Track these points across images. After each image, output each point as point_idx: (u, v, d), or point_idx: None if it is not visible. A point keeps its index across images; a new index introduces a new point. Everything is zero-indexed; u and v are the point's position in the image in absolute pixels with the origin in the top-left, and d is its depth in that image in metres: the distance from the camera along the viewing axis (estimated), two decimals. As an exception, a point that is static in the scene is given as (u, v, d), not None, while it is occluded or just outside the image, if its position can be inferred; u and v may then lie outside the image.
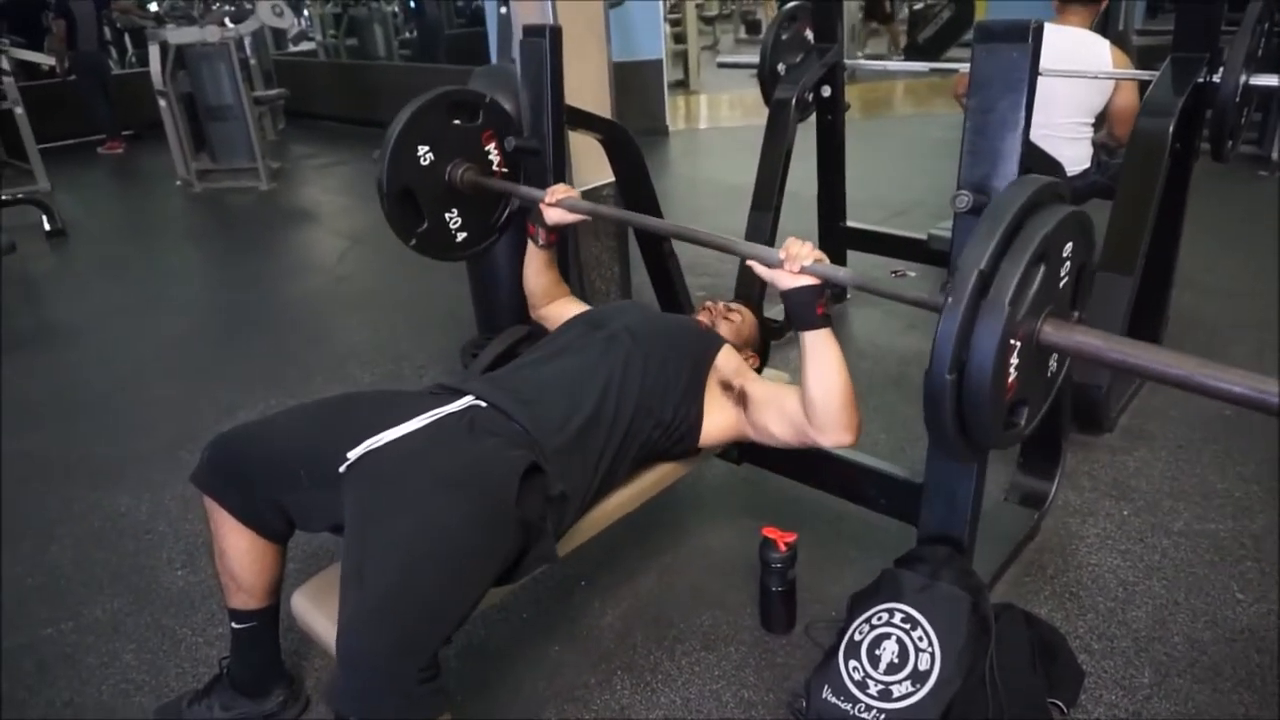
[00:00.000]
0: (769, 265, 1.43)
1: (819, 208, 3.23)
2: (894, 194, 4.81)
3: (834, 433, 1.47)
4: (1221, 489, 2.16)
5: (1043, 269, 1.16)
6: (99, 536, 2.25)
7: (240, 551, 1.50)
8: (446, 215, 2.03)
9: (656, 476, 1.71)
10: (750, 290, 2.80)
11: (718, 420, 1.65)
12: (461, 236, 2.07)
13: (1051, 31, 3.07)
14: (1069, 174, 2.93)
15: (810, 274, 1.39)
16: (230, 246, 5.17)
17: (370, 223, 4.98)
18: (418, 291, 3.93)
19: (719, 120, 8.27)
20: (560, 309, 1.95)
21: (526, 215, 1.92)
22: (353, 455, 1.36)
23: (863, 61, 3.53)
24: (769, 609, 1.79)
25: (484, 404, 1.50)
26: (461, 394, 1.53)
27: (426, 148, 1.93)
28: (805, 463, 1.90)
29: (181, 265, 4.93)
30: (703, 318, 1.90)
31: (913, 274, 3.60)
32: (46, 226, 5.15)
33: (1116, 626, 1.75)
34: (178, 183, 6.27)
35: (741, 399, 1.64)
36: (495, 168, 2.09)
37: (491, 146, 2.06)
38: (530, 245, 1.91)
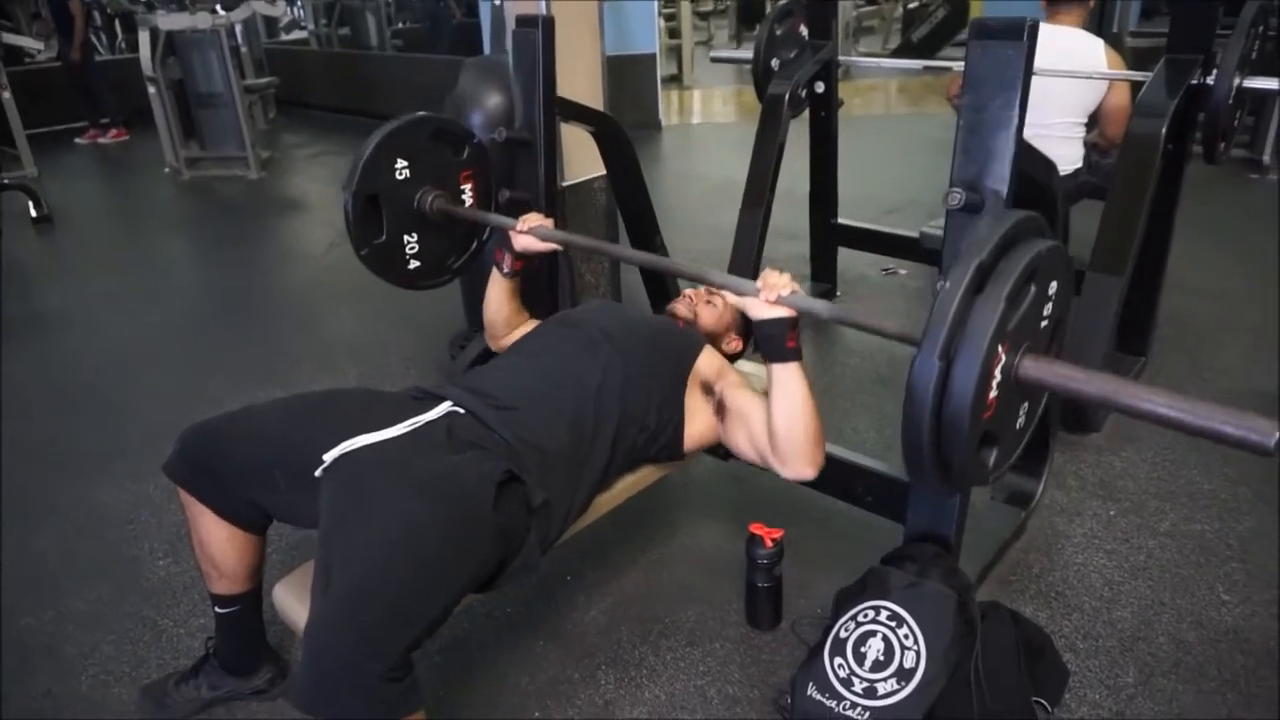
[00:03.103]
0: (742, 294, 1.41)
1: (811, 205, 3.23)
2: (886, 192, 4.80)
3: (795, 465, 1.45)
4: (1208, 490, 2.17)
5: (1026, 303, 1.10)
6: (83, 526, 2.23)
7: (219, 541, 1.49)
8: (406, 237, 1.97)
9: (641, 473, 1.70)
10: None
11: (699, 425, 1.64)
12: (414, 264, 2.00)
13: (1045, 31, 3.09)
14: (1061, 174, 2.93)
15: (785, 305, 1.37)
16: (219, 235, 5.13)
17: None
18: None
19: (713, 116, 8.25)
20: (522, 334, 1.90)
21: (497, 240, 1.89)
22: (329, 457, 1.35)
23: (857, 58, 3.52)
24: (755, 605, 1.79)
25: (462, 411, 1.48)
26: (440, 399, 1.51)
27: (404, 163, 1.88)
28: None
29: (170, 253, 4.89)
30: (681, 307, 1.86)
31: (903, 271, 3.60)
32: (33, 213, 5.10)
33: (1102, 626, 1.75)
34: (166, 170, 6.22)
35: (720, 408, 1.62)
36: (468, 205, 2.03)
37: (469, 187, 2.01)
38: (494, 273, 1.87)
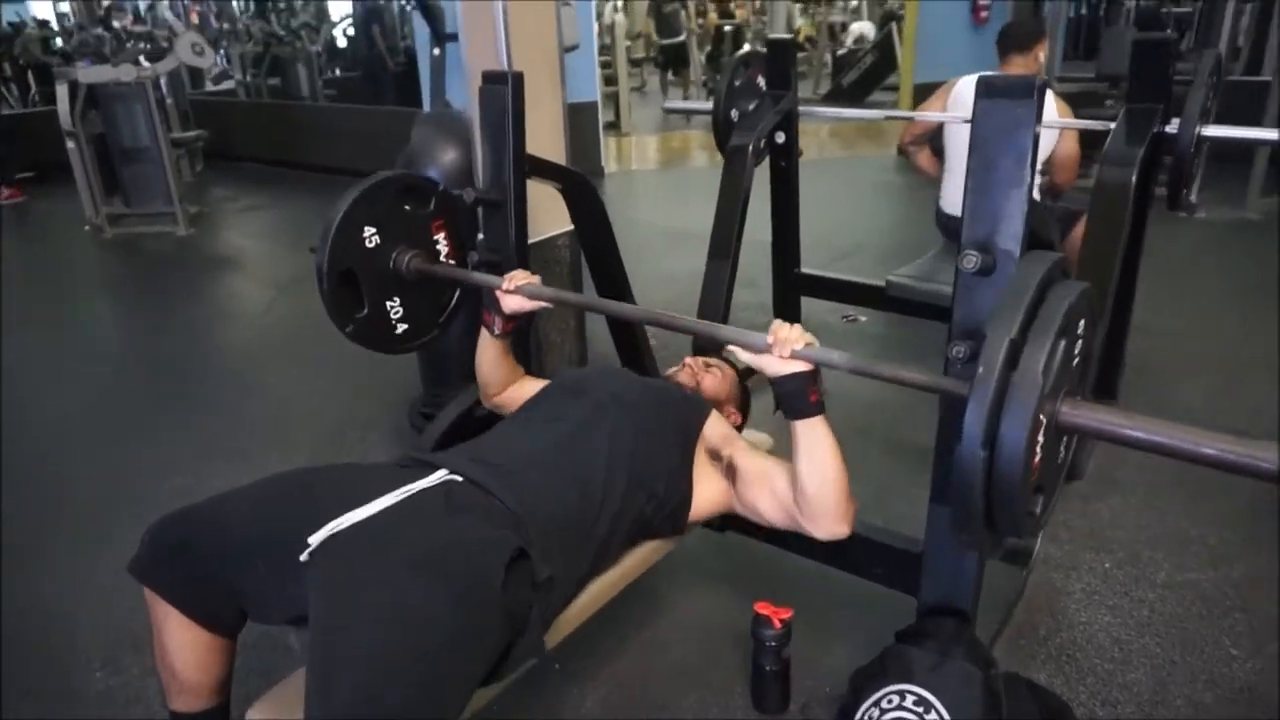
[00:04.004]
0: (755, 350, 1.36)
1: (774, 253, 3.19)
2: (836, 237, 4.83)
3: (828, 524, 1.42)
4: (1195, 535, 2.16)
5: (1063, 345, 1.10)
6: (11, 630, 2.00)
7: (184, 647, 1.34)
8: (389, 303, 1.87)
9: (642, 555, 1.60)
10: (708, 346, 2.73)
11: (708, 493, 1.56)
12: (402, 328, 1.91)
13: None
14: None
15: (801, 359, 1.32)
16: (149, 296, 4.87)
17: (296, 271, 4.75)
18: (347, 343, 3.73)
19: (650, 162, 8.29)
20: (519, 391, 1.82)
21: (478, 300, 1.80)
22: (315, 540, 1.22)
23: (818, 109, 3.53)
24: (762, 689, 1.68)
25: (460, 479, 1.37)
26: (434, 467, 1.39)
27: (373, 229, 1.79)
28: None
29: (96, 316, 4.61)
30: (683, 377, 1.81)
31: (863, 319, 3.59)
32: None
33: (1118, 690, 1.69)
34: (87, 228, 5.91)
35: (730, 471, 1.56)
36: (444, 258, 1.95)
37: (442, 236, 1.92)
38: (484, 334, 1.78)
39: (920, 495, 1.53)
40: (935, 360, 1.40)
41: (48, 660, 1.90)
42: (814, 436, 1.36)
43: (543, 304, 1.70)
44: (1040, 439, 1.09)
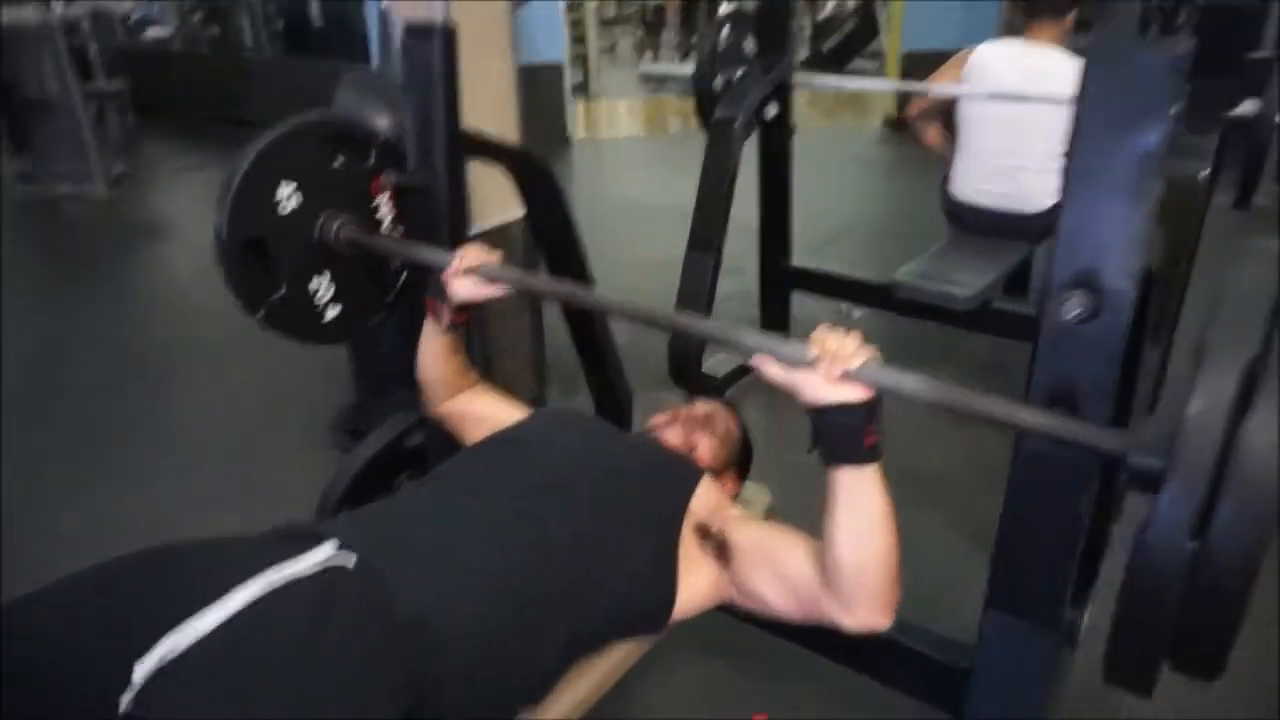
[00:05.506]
0: (792, 365, 0.97)
1: (761, 243, 2.80)
2: (820, 219, 4.42)
3: (865, 612, 1.02)
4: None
5: None
6: None
7: None
8: (313, 282, 1.47)
9: (611, 663, 1.22)
10: (686, 344, 2.34)
11: (696, 586, 1.17)
12: (332, 312, 1.51)
13: (1016, 48, 2.78)
14: (1039, 210, 2.60)
15: (860, 383, 0.94)
16: (56, 269, 4.35)
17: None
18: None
19: (620, 129, 7.81)
20: (470, 404, 1.44)
21: (424, 284, 1.40)
22: (139, 676, 0.84)
23: (815, 78, 3.14)
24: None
25: (350, 563, 0.98)
26: (319, 539, 1.01)
27: (292, 187, 1.38)
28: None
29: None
30: (671, 435, 1.40)
31: (857, 314, 3.22)
32: None
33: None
34: (-6, 188, 5.34)
35: (722, 551, 1.17)
36: (385, 227, 1.55)
37: (385, 199, 1.53)
38: (428, 326, 1.38)
39: (964, 576, 1.16)
40: (950, 369, 1.01)
41: None
42: (862, 491, 0.98)
43: (500, 290, 1.30)
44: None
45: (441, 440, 1.64)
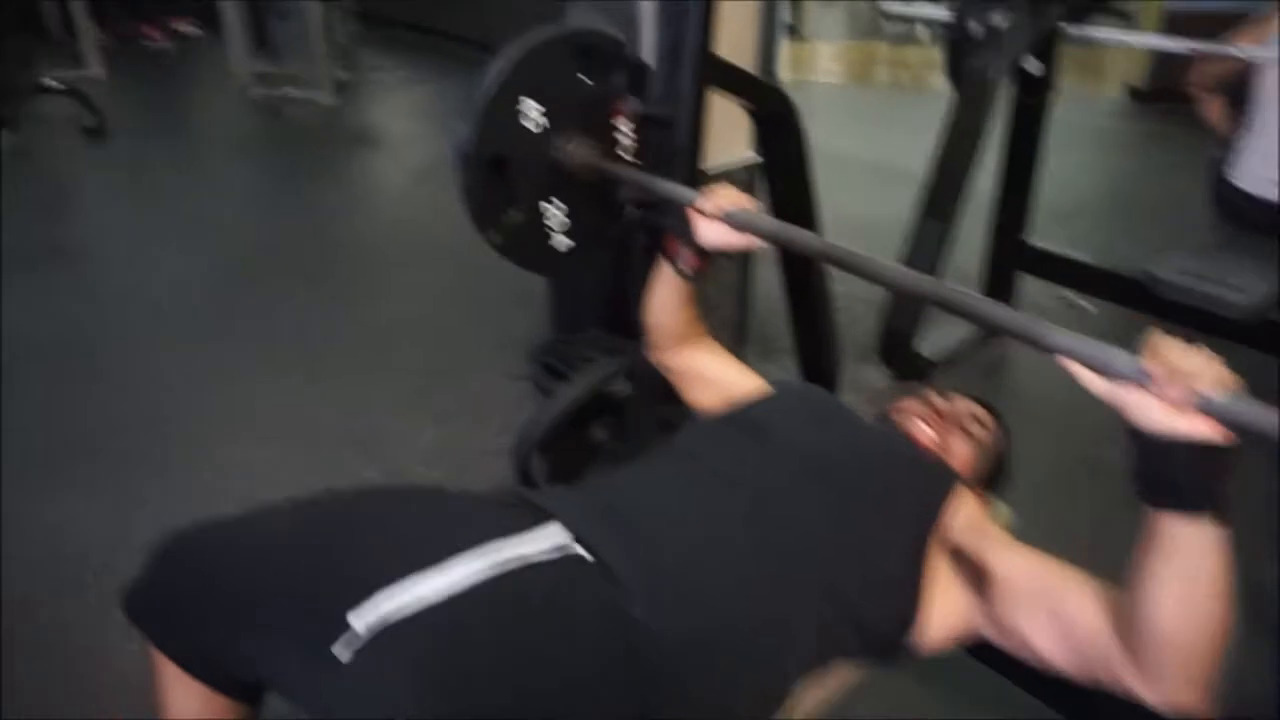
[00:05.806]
0: (1117, 378, 0.80)
1: (995, 217, 2.52)
2: (1051, 193, 4.01)
3: (1170, 686, 0.83)
4: None
5: None
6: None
7: (189, 711, 1.00)
8: (544, 207, 1.37)
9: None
10: (902, 320, 2.14)
11: (945, 612, 1.01)
12: (559, 240, 1.39)
13: None
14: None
15: (1217, 419, 0.74)
16: (280, 169, 4.62)
17: (443, 158, 4.38)
18: (488, 249, 3.35)
19: (833, 74, 7.41)
20: (698, 363, 1.32)
21: (659, 223, 1.28)
22: (361, 625, 0.81)
23: (1094, 31, 2.76)
24: None
25: (588, 557, 0.91)
26: (547, 516, 0.95)
27: (536, 104, 1.28)
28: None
29: (219, 187, 4.37)
30: (920, 426, 1.19)
31: (1093, 310, 2.88)
32: (84, 122, 4.65)
33: None
34: (234, 84, 5.70)
35: (979, 579, 1.00)
36: (626, 156, 1.43)
37: (623, 124, 1.40)
38: (664, 270, 1.25)
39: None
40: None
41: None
42: (1192, 547, 0.78)
43: (754, 241, 1.16)
44: None
45: (644, 392, 1.56)
